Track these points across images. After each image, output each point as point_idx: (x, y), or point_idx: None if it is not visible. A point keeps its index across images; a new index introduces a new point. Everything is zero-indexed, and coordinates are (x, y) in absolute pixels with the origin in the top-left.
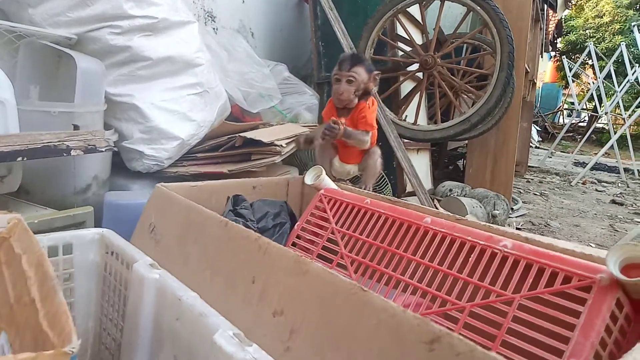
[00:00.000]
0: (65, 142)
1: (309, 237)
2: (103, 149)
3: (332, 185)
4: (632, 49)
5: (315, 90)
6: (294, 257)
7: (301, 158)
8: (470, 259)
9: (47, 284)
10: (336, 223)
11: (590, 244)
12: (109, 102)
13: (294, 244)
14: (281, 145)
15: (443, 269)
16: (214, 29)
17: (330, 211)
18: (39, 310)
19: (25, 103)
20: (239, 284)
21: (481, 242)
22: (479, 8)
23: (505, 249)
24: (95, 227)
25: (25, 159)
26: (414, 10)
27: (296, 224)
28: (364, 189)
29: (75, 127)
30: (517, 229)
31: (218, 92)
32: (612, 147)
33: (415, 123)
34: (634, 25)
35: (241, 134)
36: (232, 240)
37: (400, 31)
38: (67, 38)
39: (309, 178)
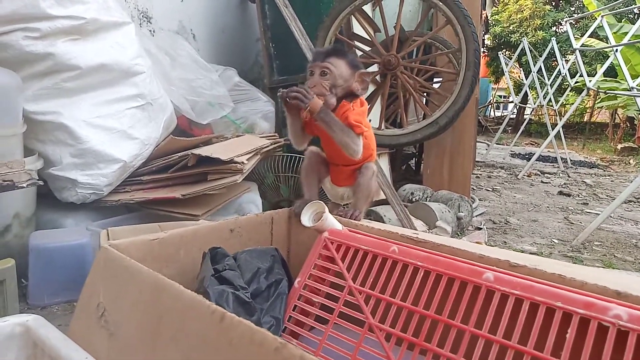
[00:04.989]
0: None
1: (316, 299)
2: (25, 185)
3: (337, 225)
4: (559, 44)
5: (269, 95)
6: None
7: (259, 171)
8: (567, 336)
9: None
10: (353, 279)
11: (554, 240)
12: (29, 122)
13: (295, 307)
14: (242, 162)
15: (529, 349)
16: (150, 31)
17: (343, 262)
18: None
19: None
20: None
21: (580, 311)
22: (442, 4)
23: (621, 322)
24: (19, 280)
25: None
26: (367, 8)
27: (296, 280)
28: (355, 216)
29: None
30: (478, 228)
31: (163, 104)
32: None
33: (379, 128)
34: (565, 21)
35: (194, 151)
36: (236, 350)
37: (357, 30)
38: None
39: (306, 218)
